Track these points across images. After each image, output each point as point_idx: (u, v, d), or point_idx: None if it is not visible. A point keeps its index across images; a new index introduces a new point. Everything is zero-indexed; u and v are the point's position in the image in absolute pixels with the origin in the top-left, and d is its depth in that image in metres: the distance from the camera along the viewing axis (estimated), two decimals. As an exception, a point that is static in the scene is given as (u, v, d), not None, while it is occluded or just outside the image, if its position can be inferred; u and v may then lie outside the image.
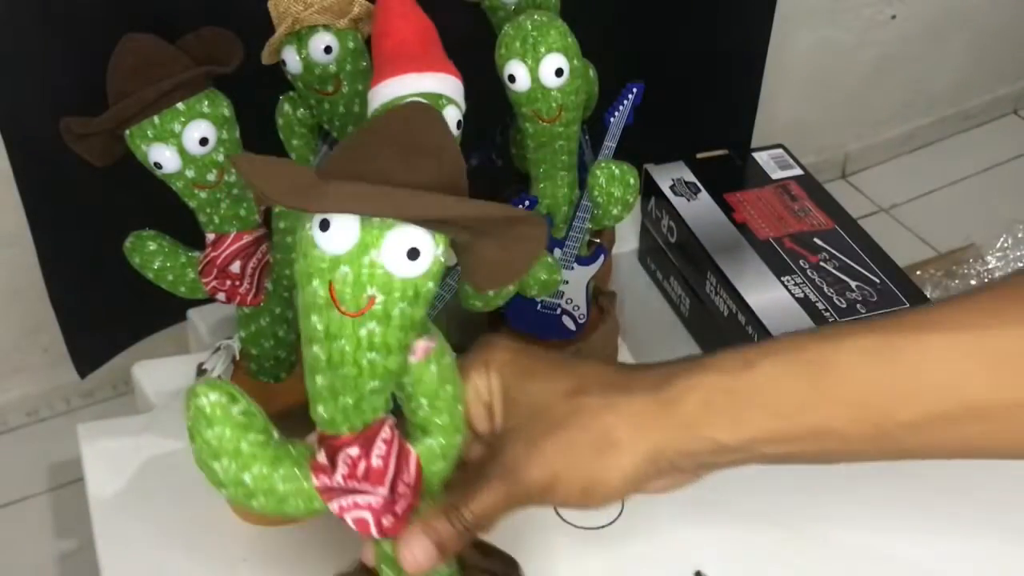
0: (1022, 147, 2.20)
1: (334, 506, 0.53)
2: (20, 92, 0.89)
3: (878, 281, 0.91)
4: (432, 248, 0.48)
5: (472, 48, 0.88)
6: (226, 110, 0.72)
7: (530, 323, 0.87)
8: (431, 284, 0.49)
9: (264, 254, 0.78)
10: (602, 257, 0.86)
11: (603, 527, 0.84)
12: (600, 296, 0.90)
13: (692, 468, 0.55)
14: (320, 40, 0.76)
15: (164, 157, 0.71)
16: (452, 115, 0.69)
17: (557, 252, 0.84)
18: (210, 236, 0.77)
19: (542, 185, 0.83)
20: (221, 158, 0.72)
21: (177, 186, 0.73)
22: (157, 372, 0.98)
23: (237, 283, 0.78)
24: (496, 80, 0.79)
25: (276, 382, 0.84)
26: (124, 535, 0.82)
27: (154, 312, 1.07)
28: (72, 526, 1.53)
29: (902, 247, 1.85)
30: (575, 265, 0.85)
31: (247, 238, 0.77)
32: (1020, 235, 1.74)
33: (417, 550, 0.53)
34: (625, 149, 0.83)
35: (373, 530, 0.53)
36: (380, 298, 0.48)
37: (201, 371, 0.85)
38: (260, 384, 0.84)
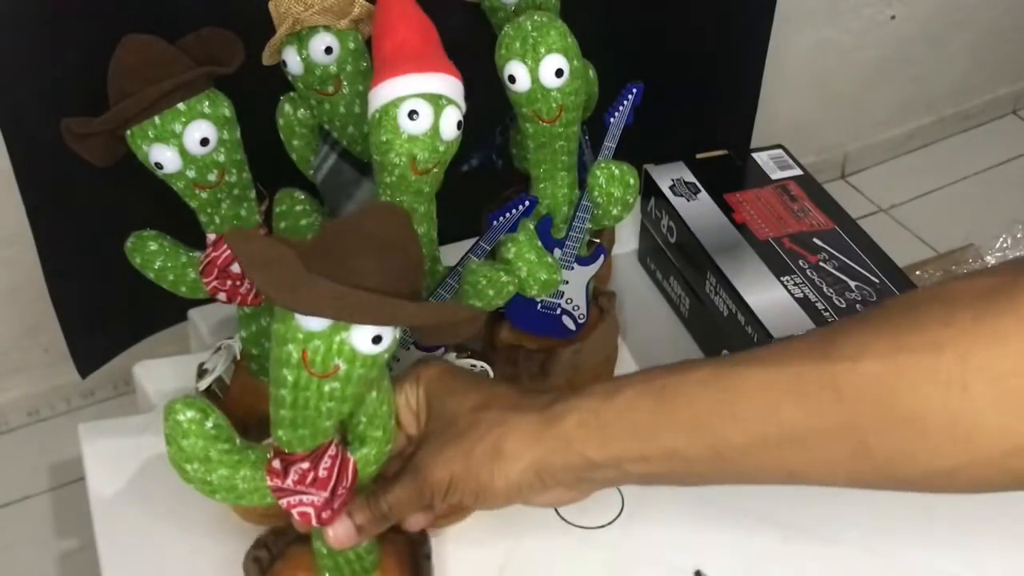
0: (1022, 147, 2.21)
1: (283, 502, 0.64)
2: (20, 92, 0.89)
3: (877, 281, 0.91)
4: (392, 333, 0.58)
5: (472, 48, 0.88)
6: (227, 110, 0.72)
7: (530, 323, 0.87)
8: (388, 356, 0.59)
9: (264, 254, 0.78)
10: (602, 257, 0.86)
11: (603, 527, 0.84)
12: (600, 296, 0.90)
13: (573, 483, 0.63)
14: (321, 41, 0.76)
15: (165, 157, 0.71)
16: (452, 115, 0.69)
17: (557, 252, 0.84)
18: (211, 236, 0.77)
19: (542, 185, 0.83)
20: (222, 158, 0.73)
21: (178, 186, 0.73)
22: (158, 372, 0.98)
23: (238, 283, 0.78)
24: (496, 80, 0.79)
25: (276, 382, 0.84)
26: (125, 535, 0.82)
27: (155, 312, 1.07)
28: (73, 526, 1.53)
29: (901, 247, 1.85)
30: (575, 265, 0.85)
31: (248, 238, 0.77)
32: (1019, 235, 1.74)
33: (340, 530, 0.65)
34: (625, 149, 0.83)
35: (314, 522, 0.65)
36: (344, 367, 0.58)
37: (202, 371, 0.85)
38: (261, 384, 0.84)
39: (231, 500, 0.64)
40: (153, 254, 0.77)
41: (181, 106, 0.70)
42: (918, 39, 2.05)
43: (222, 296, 0.78)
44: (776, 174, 1.04)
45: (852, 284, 0.91)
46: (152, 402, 0.95)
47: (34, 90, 0.89)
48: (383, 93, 0.68)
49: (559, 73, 0.76)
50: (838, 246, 0.95)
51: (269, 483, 0.64)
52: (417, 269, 0.60)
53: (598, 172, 0.81)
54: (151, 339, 1.10)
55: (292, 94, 0.81)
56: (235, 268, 0.77)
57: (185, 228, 0.78)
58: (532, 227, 0.80)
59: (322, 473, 0.64)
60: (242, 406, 0.84)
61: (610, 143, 0.81)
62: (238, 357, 0.85)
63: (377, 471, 0.67)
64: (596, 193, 0.81)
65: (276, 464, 0.63)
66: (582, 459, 0.60)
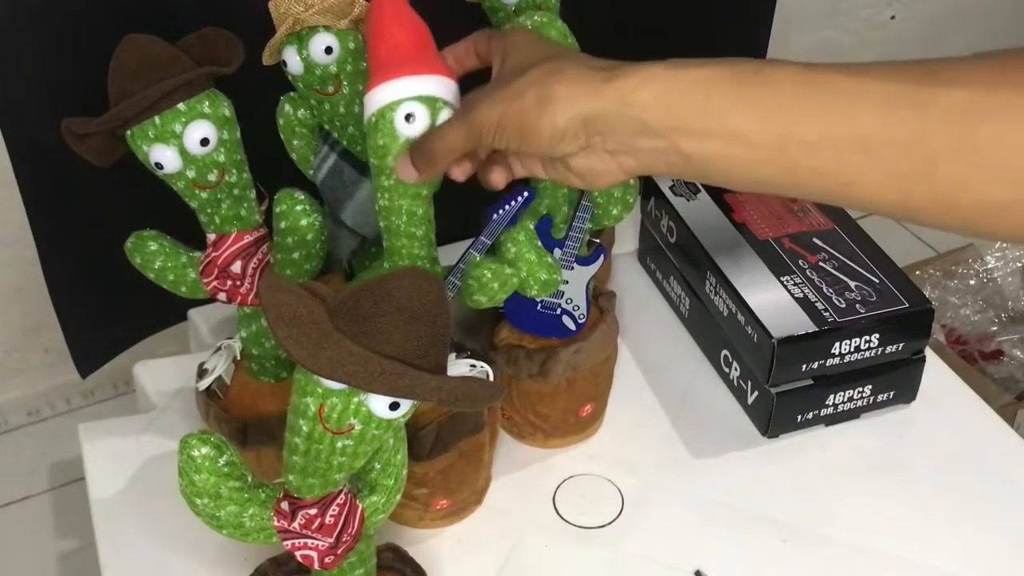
0: (1022, 147, 2.20)
1: (287, 544, 0.65)
2: (20, 92, 0.89)
3: (877, 281, 0.91)
4: (410, 401, 0.59)
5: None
6: (227, 111, 0.72)
7: (530, 322, 0.87)
8: (403, 420, 0.60)
9: (265, 254, 0.78)
10: (602, 257, 0.86)
11: (603, 527, 0.84)
12: (600, 296, 0.90)
13: (616, 147, 0.61)
14: (321, 41, 0.76)
15: (165, 157, 0.71)
16: (448, 117, 0.68)
17: (557, 252, 0.84)
18: (211, 236, 0.77)
19: (542, 185, 0.83)
20: (222, 158, 0.73)
21: (178, 186, 0.73)
22: (158, 372, 0.98)
23: (238, 283, 0.78)
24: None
25: (277, 382, 0.84)
26: (125, 535, 0.82)
27: (155, 312, 1.07)
28: (73, 526, 1.53)
29: (901, 247, 1.85)
30: (575, 265, 0.85)
31: (248, 238, 0.77)
32: (1020, 235, 1.74)
33: (402, 166, 0.67)
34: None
35: (316, 566, 0.66)
36: (359, 427, 0.59)
37: (202, 371, 0.85)
38: (261, 383, 0.84)
39: (237, 536, 0.65)
40: (153, 254, 0.77)
41: (181, 106, 0.70)
42: (918, 39, 2.04)
43: (222, 296, 0.78)
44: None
45: (852, 284, 0.91)
46: (152, 402, 0.95)
47: (34, 90, 0.89)
48: (379, 97, 0.68)
49: None
50: (838, 246, 0.95)
51: (276, 524, 0.64)
52: (442, 340, 0.59)
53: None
54: (151, 339, 1.10)
55: (292, 94, 0.81)
56: (235, 268, 0.77)
57: (185, 228, 0.78)
58: (532, 227, 0.80)
59: (329, 520, 0.64)
60: (242, 406, 0.84)
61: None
62: (238, 357, 0.85)
63: (385, 519, 0.67)
64: (596, 193, 0.81)
65: (284, 506, 0.64)
66: (636, 122, 0.58)
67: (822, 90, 0.56)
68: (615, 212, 0.82)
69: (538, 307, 0.86)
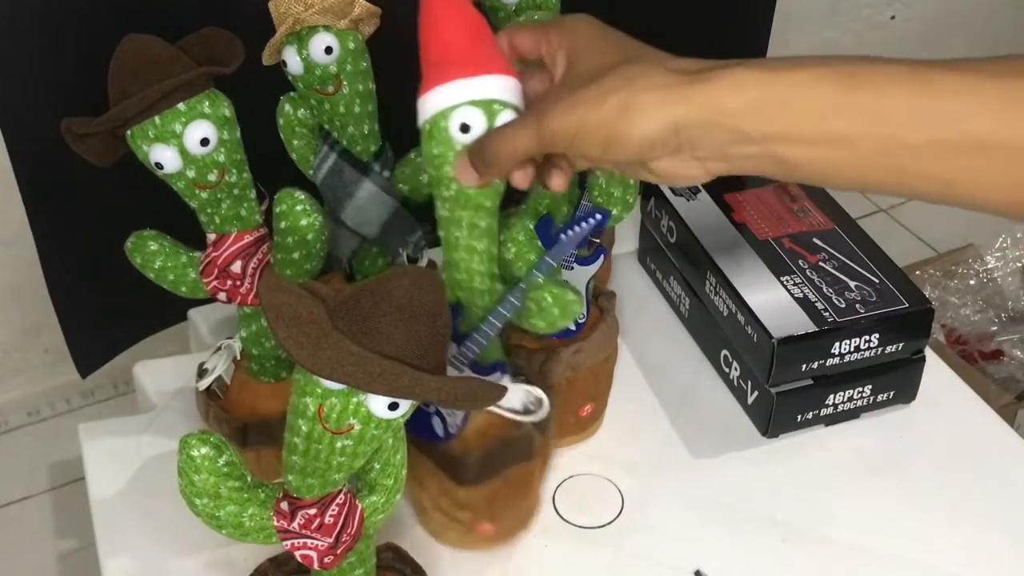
0: (1022, 147, 2.20)
1: (287, 544, 0.65)
2: (20, 92, 0.89)
3: (877, 281, 0.91)
4: (409, 401, 0.58)
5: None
6: (227, 110, 0.72)
7: None
8: (402, 420, 0.60)
9: (265, 254, 0.78)
10: (602, 257, 0.86)
11: (603, 527, 0.84)
12: (600, 296, 0.89)
13: (708, 154, 0.58)
14: (321, 41, 0.76)
15: (165, 157, 0.71)
16: (508, 120, 0.63)
17: None
18: (211, 236, 0.77)
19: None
20: (222, 158, 0.73)
21: (178, 186, 0.73)
22: (158, 372, 0.98)
23: (238, 283, 0.78)
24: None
25: (277, 382, 0.84)
26: (125, 535, 0.82)
27: (155, 312, 1.07)
28: (73, 526, 1.53)
29: (901, 247, 1.85)
30: (575, 265, 0.85)
31: (248, 238, 0.77)
32: (1019, 235, 1.74)
33: (462, 170, 0.64)
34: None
35: (315, 566, 0.66)
36: (359, 427, 0.59)
37: (202, 371, 0.85)
38: (261, 383, 0.84)
39: (236, 536, 0.65)
40: (153, 254, 0.77)
41: (181, 106, 0.70)
42: (918, 39, 2.05)
43: (222, 296, 0.78)
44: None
45: (852, 284, 0.91)
46: (152, 402, 0.95)
47: (34, 90, 0.89)
48: (431, 103, 0.63)
49: None
50: (838, 246, 0.95)
51: (275, 524, 0.64)
52: (442, 341, 0.59)
53: (598, 171, 0.80)
54: (151, 339, 1.10)
55: (292, 94, 0.81)
56: (235, 268, 0.77)
57: (185, 228, 0.78)
58: (531, 226, 0.80)
59: (328, 520, 0.64)
60: (242, 406, 0.84)
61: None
62: (238, 357, 0.85)
63: (385, 520, 0.67)
64: (596, 193, 0.81)
65: (284, 506, 0.64)
66: (732, 131, 0.56)
67: (930, 91, 0.53)
68: (615, 212, 0.81)
69: None
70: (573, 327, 0.86)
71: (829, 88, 0.55)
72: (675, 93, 0.56)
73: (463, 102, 0.62)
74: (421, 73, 0.64)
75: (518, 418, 0.76)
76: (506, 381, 0.77)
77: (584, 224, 0.73)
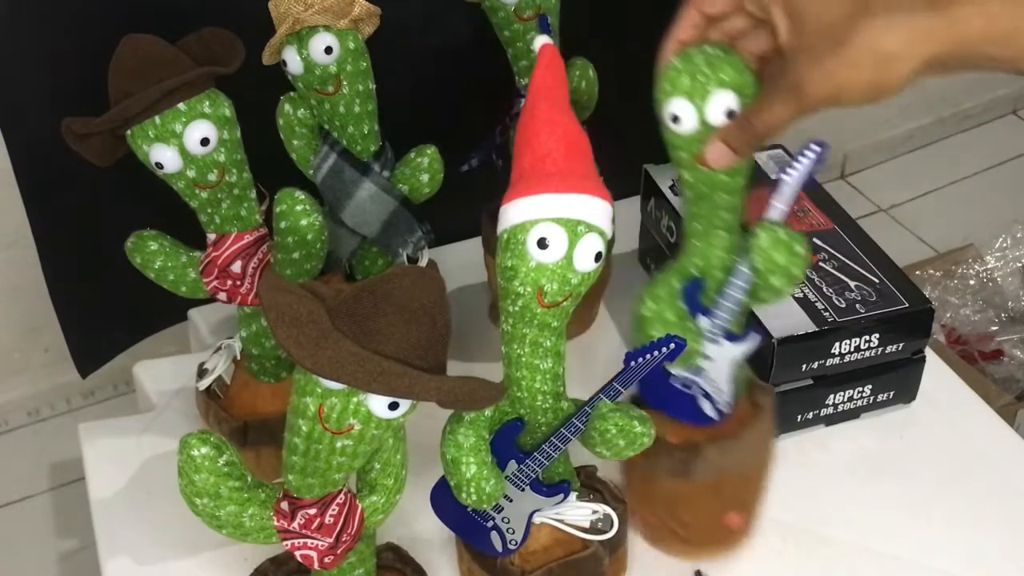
0: (1021, 147, 2.21)
1: (287, 543, 0.65)
2: (20, 92, 0.89)
3: (877, 281, 0.91)
4: (409, 401, 0.58)
5: (472, 48, 0.88)
6: (227, 110, 0.72)
7: (662, 400, 0.76)
8: (403, 420, 0.59)
9: (265, 254, 0.78)
10: (756, 340, 0.74)
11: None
12: (755, 389, 0.78)
13: (955, 70, 0.61)
14: (320, 41, 0.76)
15: (165, 157, 0.71)
16: (591, 244, 0.60)
17: (703, 321, 0.72)
18: (211, 236, 0.77)
19: (696, 243, 0.71)
20: (222, 158, 0.73)
21: (178, 186, 0.73)
22: (158, 372, 0.98)
23: (238, 283, 0.78)
24: (497, 79, 0.79)
25: (276, 382, 0.84)
26: (125, 535, 0.82)
27: (155, 312, 1.07)
28: (73, 526, 1.53)
29: (901, 247, 1.85)
30: (722, 340, 0.73)
31: (248, 238, 0.77)
32: (1019, 235, 1.74)
33: (716, 154, 0.65)
34: (625, 148, 0.82)
35: (316, 565, 0.66)
36: (359, 427, 0.59)
37: (202, 371, 0.85)
38: (261, 383, 0.84)
39: (237, 536, 0.65)
40: (153, 254, 0.77)
41: (182, 106, 0.70)
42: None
43: (222, 296, 0.78)
44: (776, 174, 1.04)
45: (852, 284, 0.91)
46: (152, 402, 0.95)
47: (34, 90, 0.89)
48: (513, 213, 0.61)
49: (730, 115, 0.65)
50: (838, 246, 0.95)
51: (275, 524, 0.65)
52: (442, 341, 0.58)
53: (761, 232, 0.68)
54: (151, 339, 1.10)
55: (292, 94, 0.81)
56: (235, 268, 0.77)
57: (185, 228, 0.78)
58: (678, 287, 0.72)
59: (328, 520, 0.64)
60: (242, 406, 0.84)
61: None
62: (238, 357, 0.85)
63: (384, 519, 0.67)
64: (756, 255, 0.69)
65: (284, 506, 0.64)
66: (984, 57, 0.59)
67: None
68: (775, 283, 0.69)
69: (673, 382, 0.75)
70: (715, 416, 0.75)
71: None
72: (921, 32, 0.59)
73: (547, 218, 0.60)
74: (510, 179, 0.62)
75: (585, 536, 0.73)
76: (571, 500, 0.73)
77: (656, 352, 0.66)
